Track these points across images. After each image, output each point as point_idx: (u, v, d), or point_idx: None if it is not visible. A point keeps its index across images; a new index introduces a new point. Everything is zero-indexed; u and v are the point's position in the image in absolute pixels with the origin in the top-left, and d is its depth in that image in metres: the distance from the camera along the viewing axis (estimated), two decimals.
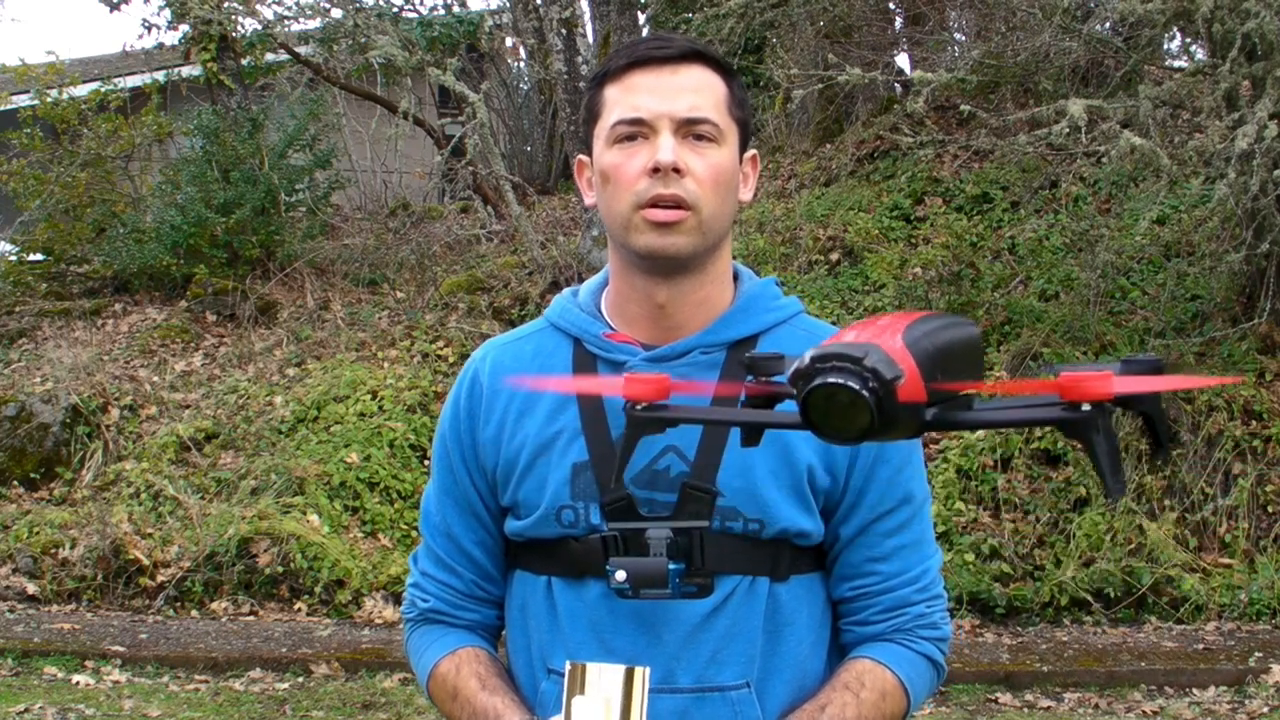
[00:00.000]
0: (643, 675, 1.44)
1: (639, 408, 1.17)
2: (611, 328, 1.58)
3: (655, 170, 1.47)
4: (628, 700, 1.43)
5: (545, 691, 1.55)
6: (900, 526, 1.56)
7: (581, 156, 1.61)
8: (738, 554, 1.50)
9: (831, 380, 0.98)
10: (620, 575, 1.43)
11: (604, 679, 1.45)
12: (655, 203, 1.47)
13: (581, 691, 1.45)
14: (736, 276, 1.62)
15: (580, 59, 10.06)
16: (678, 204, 1.47)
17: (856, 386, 0.97)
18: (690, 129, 1.49)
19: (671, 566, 1.43)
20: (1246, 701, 5.48)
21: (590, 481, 1.52)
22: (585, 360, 1.57)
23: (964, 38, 11.91)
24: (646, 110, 1.48)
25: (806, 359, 1.00)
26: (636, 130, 1.49)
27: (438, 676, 1.62)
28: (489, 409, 1.60)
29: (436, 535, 1.67)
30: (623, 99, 1.51)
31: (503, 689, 1.57)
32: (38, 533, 7.44)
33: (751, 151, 1.59)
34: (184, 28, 11.08)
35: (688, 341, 1.54)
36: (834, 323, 1.67)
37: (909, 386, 0.98)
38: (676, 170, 1.47)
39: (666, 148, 1.47)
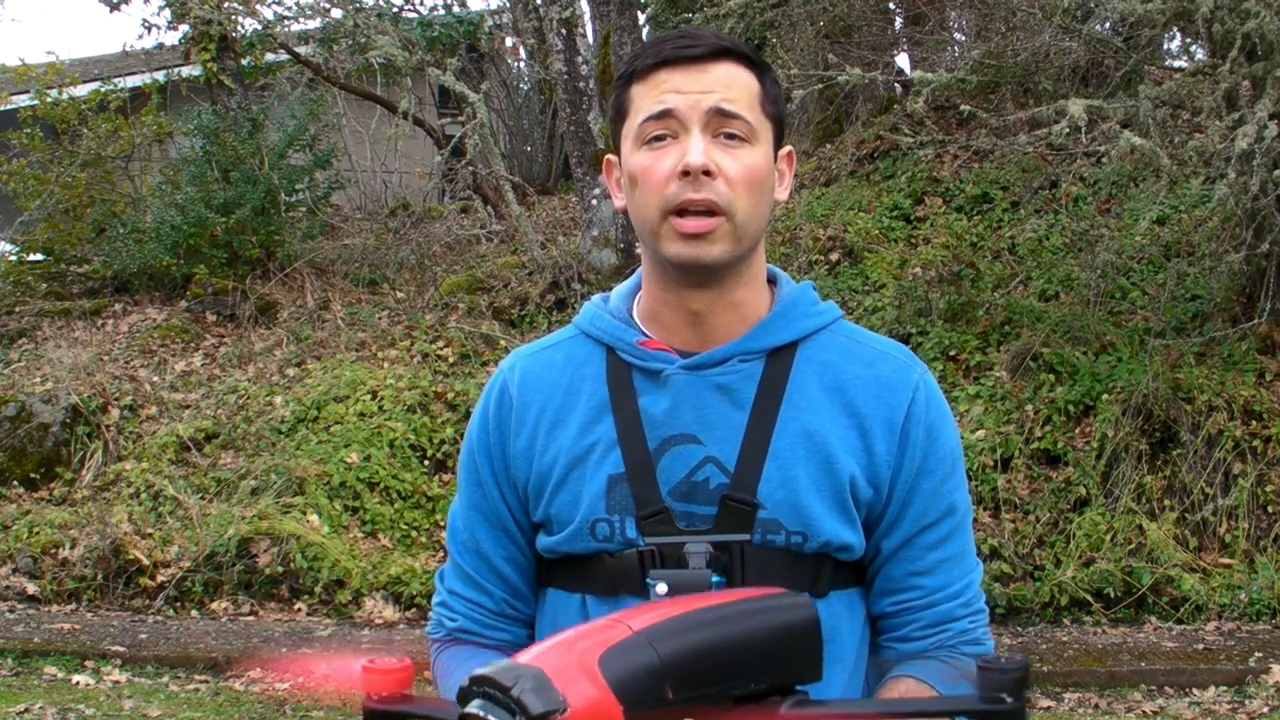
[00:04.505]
0: None
1: (375, 698, 1.05)
2: (646, 335, 1.51)
3: (685, 173, 1.40)
4: None
5: None
6: (943, 539, 1.51)
7: (610, 156, 1.55)
8: (779, 569, 1.43)
9: (470, 710, 0.86)
10: (661, 588, 1.38)
11: None
12: (685, 208, 1.41)
13: None
14: (773, 280, 1.56)
15: (580, 59, 10.06)
16: (709, 209, 1.41)
17: None
18: (722, 125, 1.42)
19: (714, 579, 1.38)
20: (1246, 701, 5.47)
21: (626, 494, 1.46)
22: (619, 369, 1.50)
23: (964, 38, 11.91)
24: (674, 103, 1.42)
25: (467, 678, 0.90)
26: (665, 129, 1.43)
27: None
28: (519, 420, 1.54)
29: (465, 552, 1.60)
30: (650, 96, 1.45)
31: None
32: (38, 533, 7.44)
33: (787, 148, 1.52)
34: (184, 28, 11.08)
35: (726, 349, 1.48)
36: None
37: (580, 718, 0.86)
38: (708, 173, 1.40)
39: (697, 150, 1.40)
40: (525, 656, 0.91)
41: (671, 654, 0.91)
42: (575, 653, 0.90)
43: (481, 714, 0.86)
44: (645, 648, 0.91)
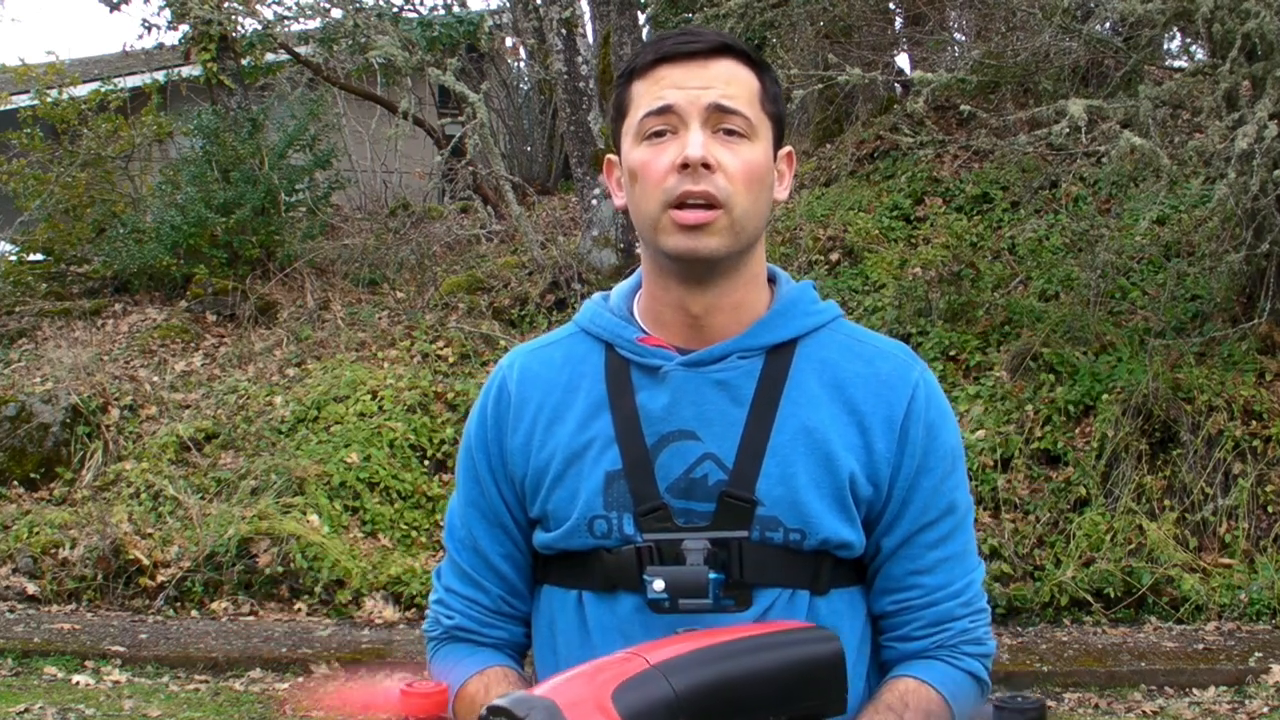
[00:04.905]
0: None
1: None
2: (645, 332, 1.52)
3: (684, 166, 1.41)
4: None
5: None
6: (944, 538, 1.51)
7: (611, 156, 1.56)
8: (778, 566, 1.44)
9: None
10: (658, 585, 1.38)
11: None
12: (684, 200, 1.41)
13: None
14: (773, 279, 1.56)
15: (580, 59, 10.06)
16: (708, 202, 1.41)
17: None
18: (721, 120, 1.43)
19: (712, 576, 1.38)
20: (1246, 701, 5.48)
21: (624, 491, 1.46)
22: (618, 366, 1.50)
23: (964, 38, 11.92)
24: (674, 98, 1.43)
25: (484, 709, 0.93)
26: (665, 124, 1.43)
27: (465, 697, 1.52)
28: (517, 417, 1.54)
29: (462, 549, 1.59)
30: (650, 92, 1.45)
31: None
32: (38, 533, 7.43)
33: (787, 148, 1.53)
34: (184, 28, 11.08)
35: (724, 346, 1.48)
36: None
37: None
38: (706, 166, 1.40)
39: (695, 143, 1.41)
40: (540, 689, 0.92)
41: (686, 688, 0.91)
42: (590, 686, 0.90)
43: None
44: (660, 681, 0.91)
